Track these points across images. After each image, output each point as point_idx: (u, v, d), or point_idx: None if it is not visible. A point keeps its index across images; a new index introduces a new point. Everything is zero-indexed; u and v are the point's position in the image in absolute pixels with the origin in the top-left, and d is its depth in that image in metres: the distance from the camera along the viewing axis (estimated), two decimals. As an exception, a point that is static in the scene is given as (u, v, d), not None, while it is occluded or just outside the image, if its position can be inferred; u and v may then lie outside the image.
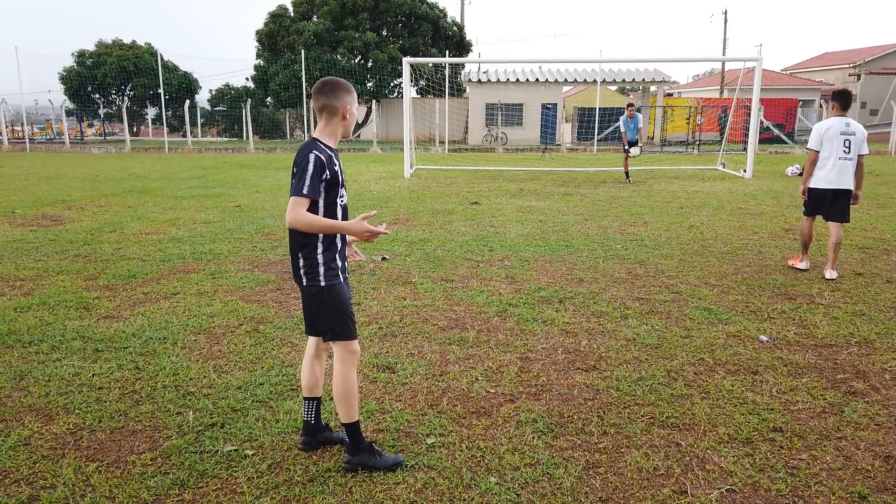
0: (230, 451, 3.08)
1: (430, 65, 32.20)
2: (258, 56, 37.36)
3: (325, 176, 2.73)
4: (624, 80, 35.72)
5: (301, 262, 2.86)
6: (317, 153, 2.73)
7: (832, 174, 6.26)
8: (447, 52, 34.66)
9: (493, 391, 3.76)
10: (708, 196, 12.11)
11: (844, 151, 6.23)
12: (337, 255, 2.89)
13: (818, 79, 45.81)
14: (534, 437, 3.22)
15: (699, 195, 12.28)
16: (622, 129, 14.39)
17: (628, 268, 6.69)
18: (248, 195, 12.37)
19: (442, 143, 28.14)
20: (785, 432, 3.28)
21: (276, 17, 36.16)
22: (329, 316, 2.88)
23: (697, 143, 29.17)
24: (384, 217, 9.75)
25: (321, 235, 2.82)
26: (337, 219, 2.85)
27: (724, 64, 45.34)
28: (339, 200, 2.86)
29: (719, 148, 23.29)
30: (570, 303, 5.47)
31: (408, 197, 12.11)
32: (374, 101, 33.97)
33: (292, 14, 36.59)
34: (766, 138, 29.32)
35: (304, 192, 2.67)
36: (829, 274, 6.18)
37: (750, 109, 27.25)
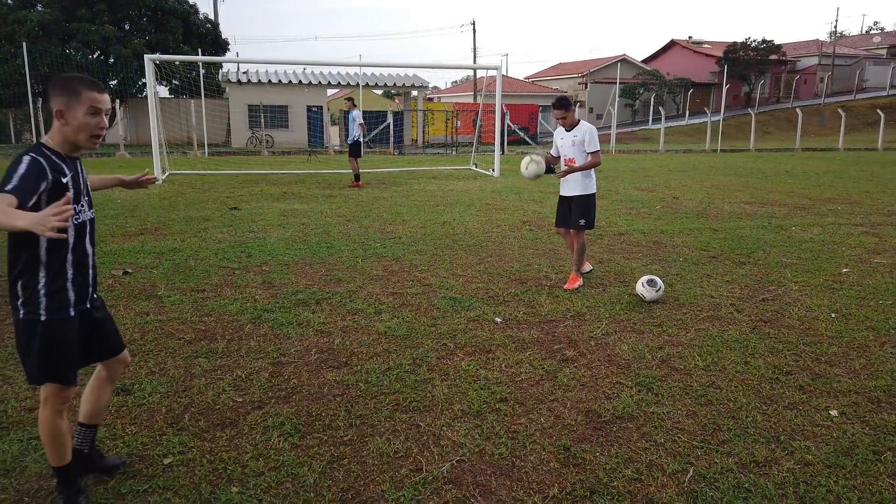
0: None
1: (179, 63, 30.10)
2: (-33, 47, 31.85)
3: (43, 184, 2.33)
4: (386, 85, 36.81)
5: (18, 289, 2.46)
6: (34, 155, 2.36)
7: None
8: (201, 50, 32.73)
9: (240, 400, 3.68)
10: (461, 194, 13.02)
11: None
12: (69, 283, 2.50)
13: (555, 86, 51.58)
14: (280, 440, 3.22)
15: (454, 193, 13.15)
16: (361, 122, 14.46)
17: (385, 265, 6.95)
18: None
19: (201, 146, 26.52)
20: (509, 401, 3.68)
21: (-11, 2, 31.14)
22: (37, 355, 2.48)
23: (455, 144, 31.09)
24: (129, 227, 8.95)
25: (44, 257, 2.43)
26: (68, 241, 2.48)
27: (475, 71, 49.14)
28: (72, 219, 2.47)
29: (475, 149, 25.15)
30: (326, 303, 5.54)
31: (158, 204, 11.24)
32: (118, 100, 30.87)
33: (10, 1, 31.79)
34: (514, 140, 32.34)
35: (8, 188, 2.21)
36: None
37: (501, 113, 29.81)
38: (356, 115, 14.24)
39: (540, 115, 37.50)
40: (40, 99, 25.67)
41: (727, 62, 45.91)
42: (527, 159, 6.17)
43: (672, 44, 57.43)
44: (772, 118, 45.12)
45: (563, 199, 6.25)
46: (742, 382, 3.96)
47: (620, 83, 45.44)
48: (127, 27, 33.69)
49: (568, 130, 6.07)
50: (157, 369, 4.10)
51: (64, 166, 2.47)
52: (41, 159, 2.37)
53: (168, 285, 6.06)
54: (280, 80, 33.51)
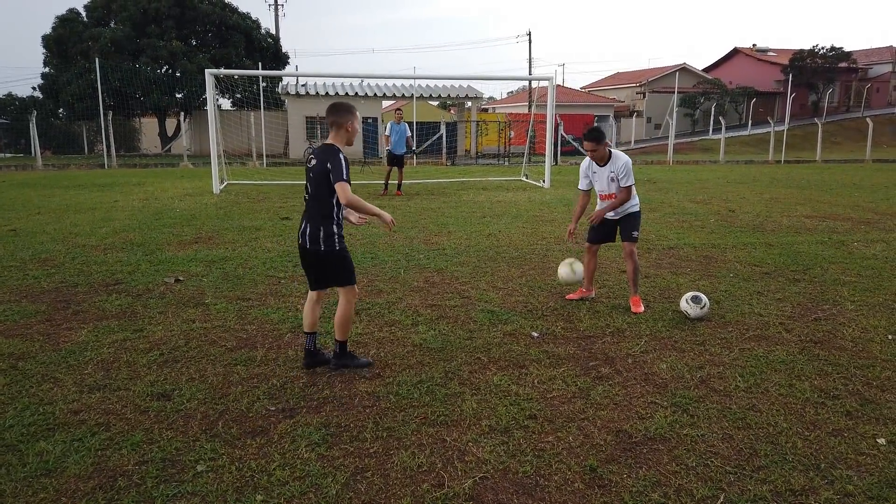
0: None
1: (240, 77, 31.10)
2: (46, 64, 33.80)
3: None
4: (440, 96, 37.11)
5: (321, 233, 4.02)
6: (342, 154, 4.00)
7: None
8: (262, 63, 33.77)
9: (273, 409, 3.76)
10: (509, 205, 12.98)
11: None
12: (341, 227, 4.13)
13: (611, 96, 50.93)
14: (307, 451, 3.28)
15: (502, 205, 13.12)
16: (386, 134, 14.54)
17: (427, 276, 6.99)
18: (28, 217, 11.14)
19: (260, 157, 27.31)
20: (538, 418, 3.64)
21: (67, 21, 32.97)
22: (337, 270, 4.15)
23: (508, 155, 31.04)
24: (184, 236, 9.29)
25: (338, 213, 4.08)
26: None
27: (530, 82, 49.02)
28: None
29: (529, 159, 25.04)
30: (365, 314, 5.60)
31: (214, 214, 11.63)
32: (182, 113, 32.18)
33: (86, 19, 33.58)
34: (569, 150, 32.05)
35: (345, 176, 3.89)
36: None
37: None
38: (405, 127, 14.50)
39: (596, 125, 37.04)
40: (110, 112, 26.91)
41: (793, 70, 44.43)
42: (567, 265, 6.10)
43: (735, 52, 55.92)
44: (840, 128, 43.30)
45: (602, 223, 5.94)
46: (784, 406, 3.80)
47: (681, 92, 44.55)
48: (193, 43, 35.07)
49: (601, 165, 5.77)
50: (197, 376, 4.23)
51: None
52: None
53: (216, 293, 6.25)
54: (336, 92, 34.23)
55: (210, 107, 14.71)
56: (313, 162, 4.04)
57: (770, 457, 3.23)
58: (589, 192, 6.07)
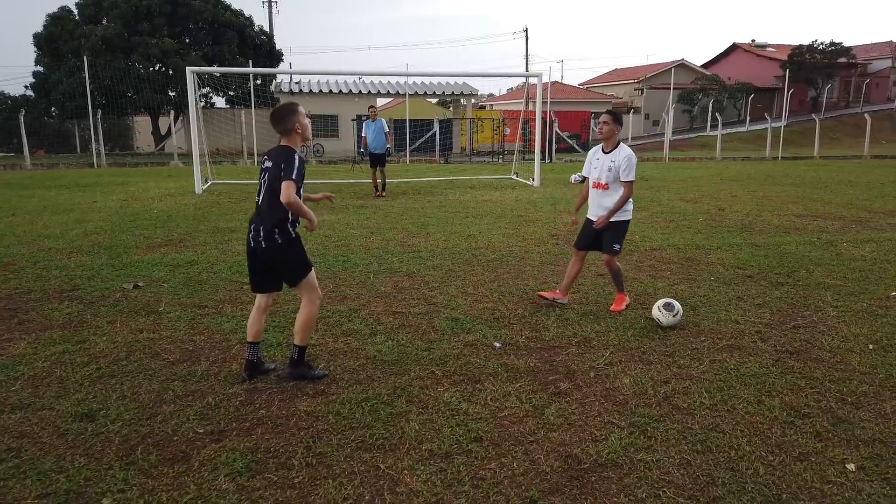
0: None
1: (232, 75, 30.81)
2: (38, 62, 33.54)
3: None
4: (435, 93, 36.81)
5: (277, 230, 3.91)
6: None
7: None
8: (256, 61, 33.49)
9: (201, 431, 3.51)
10: (494, 205, 12.71)
11: None
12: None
13: (609, 92, 50.60)
14: (227, 480, 3.03)
15: (487, 204, 12.85)
16: (363, 134, 14.29)
17: (396, 281, 6.74)
18: (0, 219, 10.89)
19: (252, 155, 27.04)
20: (484, 441, 3.39)
21: (58, 19, 32.67)
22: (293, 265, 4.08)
23: (502, 153, 30.75)
24: (155, 238, 9.04)
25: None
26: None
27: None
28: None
29: (522, 157, 24.78)
30: (323, 322, 5.35)
31: (192, 215, 11.37)
32: (174, 111, 31.92)
33: (77, 17, 33.29)
34: (564, 148, 31.76)
35: (293, 176, 3.76)
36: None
37: (545, 121, 29.34)
38: (382, 123, 14.15)
39: (592, 121, 36.65)
40: (100, 111, 26.64)
41: (792, 66, 44.05)
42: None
43: (734, 48, 55.51)
44: (840, 124, 42.93)
45: (589, 222, 5.78)
46: (750, 426, 3.55)
47: (678, 88, 44.16)
48: (186, 40, 34.75)
49: (605, 152, 5.59)
50: (129, 393, 3.98)
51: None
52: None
53: (172, 300, 6.00)
54: (331, 90, 33.97)
55: (191, 105, 14.45)
56: (268, 163, 3.94)
57: (728, 486, 2.98)
58: (585, 180, 5.89)
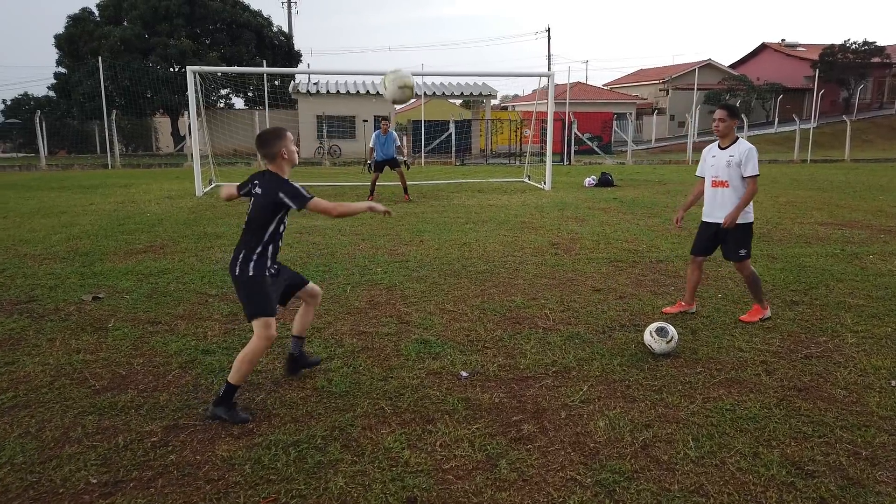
0: None
1: (250, 75, 30.69)
2: (59, 63, 33.83)
3: None
4: (454, 94, 36.31)
5: (241, 257, 3.67)
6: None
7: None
8: (275, 62, 33.35)
9: (95, 481, 3.03)
10: (499, 210, 12.14)
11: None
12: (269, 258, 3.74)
13: (634, 93, 49.59)
14: (98, 550, 2.54)
15: (492, 209, 12.29)
16: (371, 146, 13.84)
17: (373, 295, 6.24)
18: (-10, 223, 10.64)
19: (266, 156, 26.80)
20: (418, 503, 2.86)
21: (79, 20, 32.96)
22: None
23: (519, 154, 30.13)
24: (137, 244, 8.67)
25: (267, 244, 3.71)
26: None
27: (549, 78, 47.87)
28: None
29: (540, 159, 24.10)
30: (279, 344, 4.84)
31: (183, 219, 11.02)
32: (188, 112, 31.82)
33: (98, 18, 33.50)
34: (585, 149, 30.99)
35: (305, 194, 3.64)
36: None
37: (565, 122, 28.65)
38: (393, 136, 13.61)
39: (615, 123, 35.81)
40: (115, 111, 26.65)
41: (823, 66, 42.68)
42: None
43: (763, 47, 54.08)
44: (873, 125, 41.49)
45: (707, 226, 5.47)
46: (741, 487, 2.96)
47: (704, 89, 43.03)
48: (206, 41, 34.76)
49: (722, 148, 5.31)
50: (34, 429, 3.53)
51: None
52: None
53: (126, 315, 5.57)
54: (348, 91, 33.66)
55: (192, 105, 14.15)
56: (258, 189, 3.73)
57: (703, 573, 2.41)
58: (705, 180, 5.53)
